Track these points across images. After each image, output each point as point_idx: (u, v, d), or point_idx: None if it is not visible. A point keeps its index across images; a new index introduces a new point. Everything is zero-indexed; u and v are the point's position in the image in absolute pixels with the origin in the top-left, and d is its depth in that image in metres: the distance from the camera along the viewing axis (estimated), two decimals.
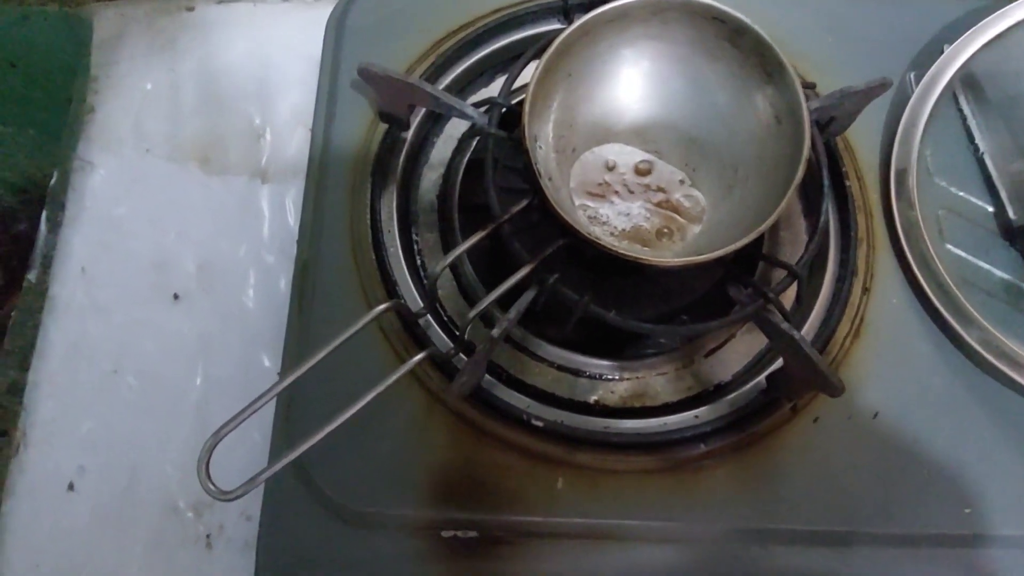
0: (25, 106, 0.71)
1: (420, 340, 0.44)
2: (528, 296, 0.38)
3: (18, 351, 0.56)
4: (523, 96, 0.40)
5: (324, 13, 0.57)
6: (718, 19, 0.42)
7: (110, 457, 0.52)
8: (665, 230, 0.44)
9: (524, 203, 0.39)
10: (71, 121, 0.63)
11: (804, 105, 0.40)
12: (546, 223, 0.39)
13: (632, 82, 0.46)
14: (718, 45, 0.43)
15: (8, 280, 0.65)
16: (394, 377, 0.36)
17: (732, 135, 0.45)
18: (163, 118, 0.62)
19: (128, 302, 0.56)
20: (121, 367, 0.54)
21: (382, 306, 0.35)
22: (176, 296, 0.56)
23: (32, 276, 0.58)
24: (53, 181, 0.61)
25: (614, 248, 0.37)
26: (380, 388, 0.36)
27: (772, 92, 0.42)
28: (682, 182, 0.46)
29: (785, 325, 0.38)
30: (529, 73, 0.41)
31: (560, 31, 0.41)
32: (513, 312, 0.37)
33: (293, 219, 0.58)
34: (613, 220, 0.44)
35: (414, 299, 0.45)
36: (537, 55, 0.42)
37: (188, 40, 0.65)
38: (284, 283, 0.56)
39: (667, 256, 0.40)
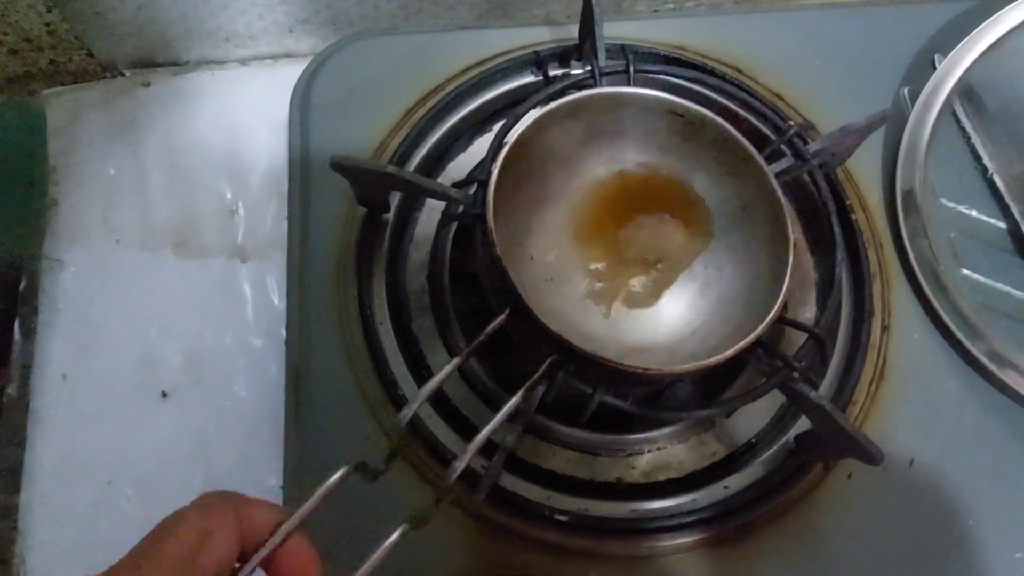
0: None
1: (427, 441, 0.41)
2: (538, 392, 0.36)
3: (6, 472, 0.53)
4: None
5: (286, 74, 0.55)
6: (674, 113, 0.41)
7: None
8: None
9: (498, 321, 0.36)
10: (34, 217, 0.60)
11: (778, 190, 0.39)
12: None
13: (586, 180, 0.44)
14: (671, 142, 0.42)
15: None
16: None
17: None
18: (130, 204, 0.60)
19: (115, 406, 0.54)
20: (116, 478, 0.52)
21: (339, 472, 0.32)
22: (164, 394, 0.54)
23: (11, 389, 0.56)
24: (23, 285, 0.58)
25: (611, 361, 0.34)
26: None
27: (736, 183, 0.41)
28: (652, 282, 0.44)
29: (814, 394, 0.36)
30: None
31: (514, 127, 0.39)
32: (528, 407, 0.35)
33: (277, 297, 0.56)
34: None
35: (415, 394, 0.42)
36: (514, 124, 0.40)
37: (148, 118, 0.63)
38: (275, 367, 0.54)
39: (673, 359, 0.37)
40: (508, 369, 0.44)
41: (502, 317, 0.36)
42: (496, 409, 0.41)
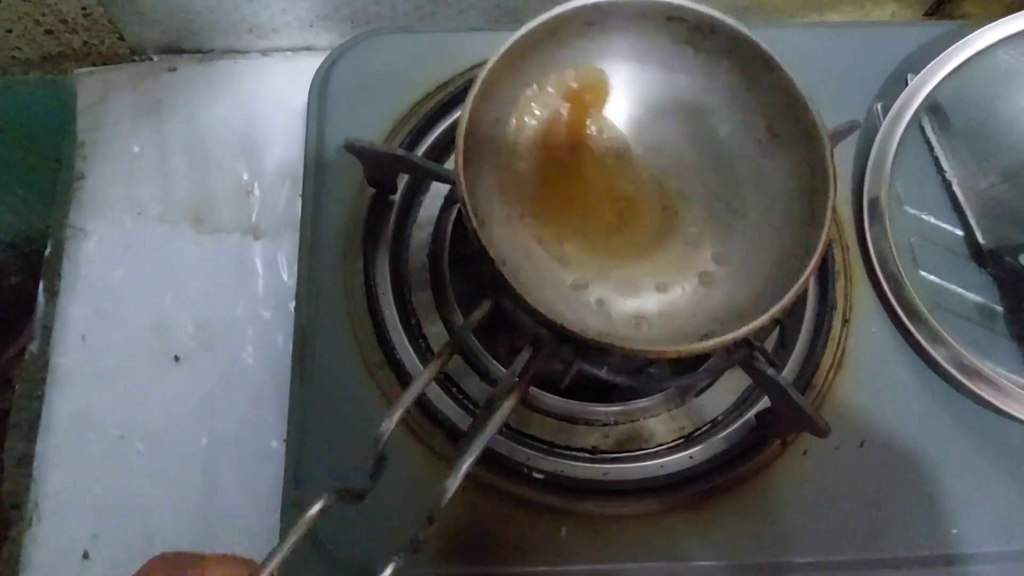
0: (13, 169, 0.72)
1: (420, 402, 0.45)
2: (523, 357, 0.40)
3: (24, 424, 0.56)
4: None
5: (305, 65, 0.58)
6: (675, 19, 0.35)
7: (123, 523, 0.53)
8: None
9: (486, 306, 0.34)
10: (61, 188, 0.64)
11: (811, 103, 0.33)
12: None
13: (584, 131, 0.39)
14: (675, 53, 0.36)
15: (3, 332, 0.66)
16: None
17: (717, 160, 0.38)
18: (153, 180, 0.63)
19: (130, 367, 0.57)
20: (127, 433, 0.55)
21: (317, 505, 0.29)
22: (177, 358, 0.57)
23: (33, 347, 0.59)
24: (48, 251, 0.62)
25: (628, 346, 0.32)
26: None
27: (757, 98, 0.36)
28: (664, 225, 0.40)
29: (771, 371, 0.40)
30: None
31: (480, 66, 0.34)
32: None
33: (287, 274, 0.60)
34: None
35: (411, 360, 0.46)
36: None
37: (172, 101, 0.66)
38: (282, 338, 0.57)
39: (675, 341, 0.33)
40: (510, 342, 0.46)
41: (487, 305, 0.35)
42: (486, 378, 0.45)
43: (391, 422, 0.33)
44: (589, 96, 0.38)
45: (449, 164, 0.54)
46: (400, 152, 0.43)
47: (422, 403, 0.45)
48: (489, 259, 0.32)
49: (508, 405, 0.34)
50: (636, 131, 0.40)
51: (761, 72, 0.35)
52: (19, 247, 0.71)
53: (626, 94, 0.39)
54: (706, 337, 0.32)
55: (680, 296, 0.38)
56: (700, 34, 0.35)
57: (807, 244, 0.33)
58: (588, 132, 0.39)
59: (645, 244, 0.40)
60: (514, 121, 0.38)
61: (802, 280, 0.32)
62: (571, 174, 0.39)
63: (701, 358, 0.48)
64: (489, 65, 0.33)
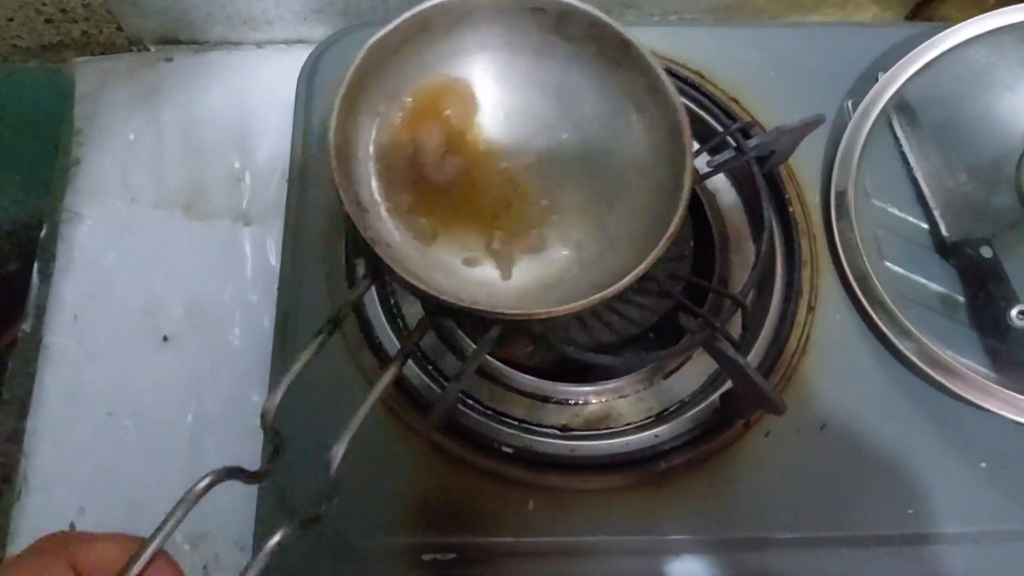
0: (11, 156, 0.73)
1: (398, 379, 0.47)
2: (493, 334, 0.41)
3: (16, 400, 0.58)
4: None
5: (298, 58, 0.60)
6: (537, 9, 0.37)
7: (109, 497, 0.54)
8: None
9: (365, 284, 0.35)
10: (57, 174, 0.65)
11: (666, 80, 0.35)
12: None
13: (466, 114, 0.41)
14: (544, 40, 0.38)
15: (1, 318, 0.67)
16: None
17: (589, 139, 0.40)
18: (147, 167, 0.65)
19: (119, 347, 0.58)
20: (116, 410, 0.57)
21: (204, 481, 0.29)
22: (165, 338, 0.59)
23: (27, 326, 0.60)
24: (43, 233, 0.63)
25: (503, 312, 0.34)
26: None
27: (622, 78, 0.37)
28: (542, 210, 0.41)
29: (731, 351, 0.41)
30: None
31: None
32: (482, 346, 0.40)
33: (275, 259, 0.61)
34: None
35: (389, 339, 0.48)
36: None
37: (168, 90, 0.67)
38: (268, 321, 0.58)
39: (558, 304, 0.34)
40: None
41: (364, 284, 0.36)
42: (455, 350, 0.46)
43: (274, 400, 0.34)
44: (457, 108, 0.40)
45: None
46: None
47: (399, 382, 0.46)
48: (364, 240, 0.34)
49: (387, 375, 0.35)
50: (513, 117, 0.42)
51: (622, 55, 0.37)
52: (17, 235, 0.72)
53: (501, 82, 0.41)
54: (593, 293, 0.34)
55: (562, 267, 0.40)
56: (563, 22, 0.37)
57: (673, 208, 0.35)
58: (462, 137, 0.42)
59: (528, 223, 0.42)
60: (389, 122, 0.40)
61: (664, 239, 0.34)
62: (450, 166, 0.41)
63: (672, 337, 0.49)
64: (356, 62, 0.35)
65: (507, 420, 0.47)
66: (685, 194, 0.35)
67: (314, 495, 0.33)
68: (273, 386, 0.34)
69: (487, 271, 0.41)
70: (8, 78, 0.72)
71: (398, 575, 0.44)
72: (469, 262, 0.41)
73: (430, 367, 0.49)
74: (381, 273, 0.36)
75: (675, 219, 0.35)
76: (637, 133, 0.39)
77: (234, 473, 0.31)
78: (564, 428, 0.48)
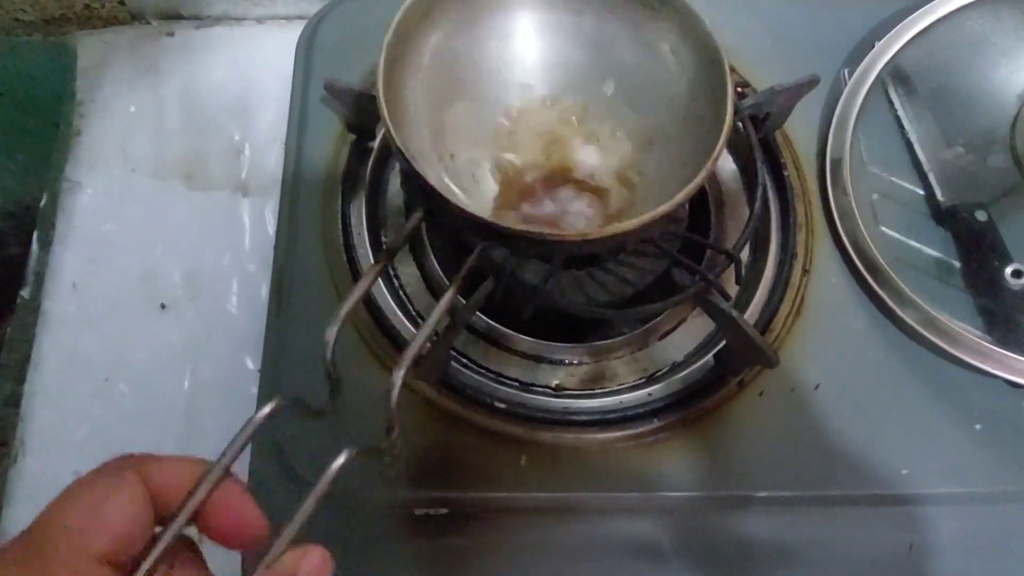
0: (14, 133, 0.73)
1: (391, 335, 0.47)
2: (486, 287, 0.41)
3: (14, 364, 0.58)
4: None
5: (298, 33, 0.59)
6: None
7: (105, 460, 0.55)
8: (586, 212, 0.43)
9: (418, 215, 0.36)
10: (59, 145, 0.65)
11: (706, 24, 0.37)
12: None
13: (492, 60, 0.43)
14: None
15: (1, 302, 0.68)
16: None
17: (628, 88, 0.42)
18: (147, 138, 0.65)
19: (118, 314, 0.58)
20: (113, 376, 0.57)
21: (267, 407, 0.29)
22: (163, 306, 0.59)
23: (25, 292, 0.61)
24: (43, 202, 0.63)
25: (547, 233, 0.35)
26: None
27: (659, 26, 0.40)
28: (595, 147, 0.44)
29: (724, 304, 0.41)
30: None
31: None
32: (472, 302, 0.40)
33: (272, 229, 0.61)
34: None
35: (384, 297, 0.48)
36: None
37: (169, 64, 0.68)
38: (265, 290, 0.58)
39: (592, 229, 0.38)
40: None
41: (418, 214, 0.36)
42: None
43: (333, 331, 0.33)
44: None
45: None
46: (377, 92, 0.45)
47: (381, 324, 0.46)
48: (415, 172, 0.35)
49: (445, 299, 0.35)
50: (553, 70, 0.44)
51: (658, 2, 0.39)
52: (19, 216, 0.72)
53: (541, 38, 0.43)
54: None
55: (606, 200, 0.42)
56: None
57: (711, 145, 0.36)
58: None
59: (572, 167, 0.44)
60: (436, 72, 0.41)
61: (704, 171, 0.35)
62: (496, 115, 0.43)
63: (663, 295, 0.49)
64: (400, 12, 0.37)
65: (502, 379, 0.47)
66: (728, 123, 0.36)
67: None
68: (333, 319, 0.34)
69: (526, 208, 0.43)
70: (11, 52, 0.72)
71: (390, 530, 0.44)
72: (505, 205, 0.43)
73: (414, 313, 0.49)
74: (431, 208, 0.37)
75: (718, 145, 0.36)
76: (675, 74, 0.40)
77: (298, 404, 0.31)
78: (558, 388, 0.48)
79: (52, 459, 0.55)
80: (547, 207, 0.43)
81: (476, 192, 0.43)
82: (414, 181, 0.35)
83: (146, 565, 0.26)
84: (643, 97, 0.43)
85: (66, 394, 0.57)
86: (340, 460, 0.29)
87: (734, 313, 0.40)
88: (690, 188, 0.35)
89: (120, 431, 0.57)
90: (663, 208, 0.35)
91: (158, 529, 0.27)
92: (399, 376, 0.33)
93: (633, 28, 0.41)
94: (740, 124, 0.46)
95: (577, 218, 0.43)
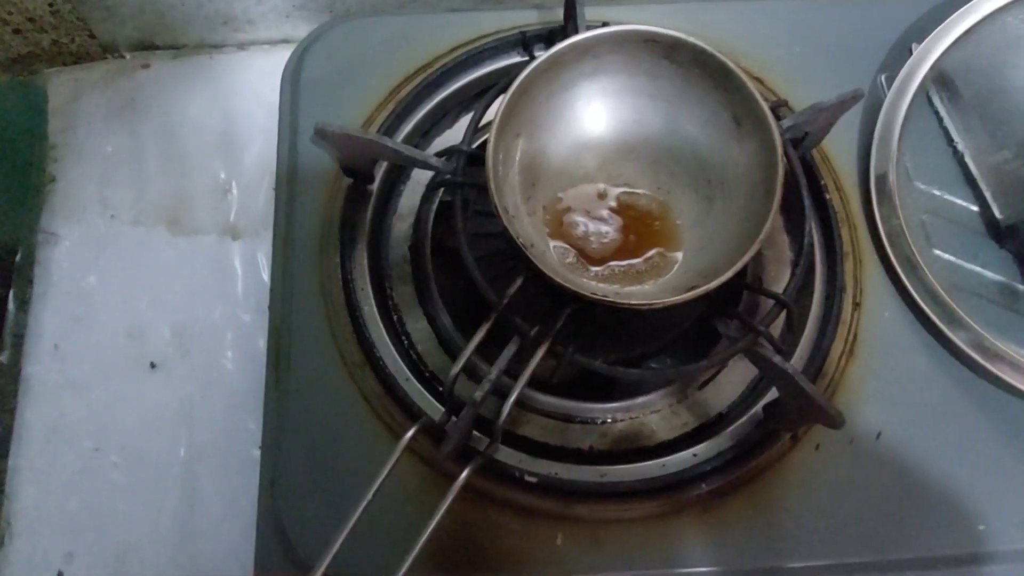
0: None
1: (403, 402, 0.42)
2: (510, 350, 0.37)
3: None
4: (486, 138, 0.39)
5: (282, 59, 0.56)
6: (651, 41, 0.43)
7: (98, 540, 0.51)
8: (651, 261, 0.43)
9: (519, 282, 0.38)
10: (32, 192, 0.62)
11: (762, 103, 0.40)
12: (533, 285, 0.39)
13: (580, 125, 0.45)
14: (655, 65, 0.44)
15: None
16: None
17: (695, 147, 0.45)
18: (126, 181, 0.61)
19: (104, 376, 0.55)
20: (103, 444, 0.53)
21: (409, 433, 0.34)
22: (153, 365, 0.56)
23: (3, 357, 0.57)
24: (18, 257, 0.60)
25: (628, 303, 0.36)
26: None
27: (724, 97, 0.42)
28: (660, 205, 0.46)
29: (778, 359, 0.37)
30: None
31: (502, 92, 0.41)
32: (494, 372, 0.36)
33: (267, 274, 0.58)
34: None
35: (392, 358, 0.44)
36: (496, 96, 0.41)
37: (147, 99, 0.64)
38: (263, 342, 0.54)
39: (667, 295, 0.38)
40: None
41: (519, 281, 0.38)
42: (473, 377, 0.42)
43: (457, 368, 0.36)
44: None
45: (431, 150, 0.52)
46: (374, 137, 0.41)
47: (391, 390, 0.43)
48: (526, 256, 0.37)
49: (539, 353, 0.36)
50: (630, 128, 0.46)
51: (722, 76, 0.42)
52: None
53: (620, 99, 0.46)
54: (691, 289, 0.37)
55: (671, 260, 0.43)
56: (673, 51, 0.43)
57: (766, 210, 0.38)
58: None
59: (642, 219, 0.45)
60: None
61: (759, 239, 0.37)
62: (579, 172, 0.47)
63: (705, 350, 0.45)
64: (511, 90, 0.41)
65: (528, 444, 0.43)
66: (776, 200, 0.38)
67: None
68: (457, 359, 0.37)
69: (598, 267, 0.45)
70: None
71: None
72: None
73: (439, 388, 0.45)
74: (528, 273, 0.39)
75: (768, 221, 0.38)
76: (734, 143, 0.43)
77: (425, 427, 0.35)
78: (591, 449, 0.43)
79: (42, 540, 0.52)
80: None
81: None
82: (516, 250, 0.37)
83: None
84: (709, 157, 0.44)
85: (53, 467, 0.53)
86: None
87: (790, 369, 0.36)
88: (752, 249, 0.36)
89: (113, 505, 0.54)
90: (734, 268, 0.36)
91: None
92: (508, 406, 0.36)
93: (704, 94, 0.43)
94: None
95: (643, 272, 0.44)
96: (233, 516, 0.52)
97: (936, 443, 0.43)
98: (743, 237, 0.39)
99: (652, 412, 0.44)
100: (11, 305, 0.58)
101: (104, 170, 0.61)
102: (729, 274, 0.36)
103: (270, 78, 0.57)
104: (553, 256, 0.43)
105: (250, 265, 0.58)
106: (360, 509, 0.35)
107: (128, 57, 0.66)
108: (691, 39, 0.42)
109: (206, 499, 0.52)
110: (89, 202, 0.60)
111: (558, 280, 0.36)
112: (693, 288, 0.37)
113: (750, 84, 0.40)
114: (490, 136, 0.39)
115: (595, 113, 0.45)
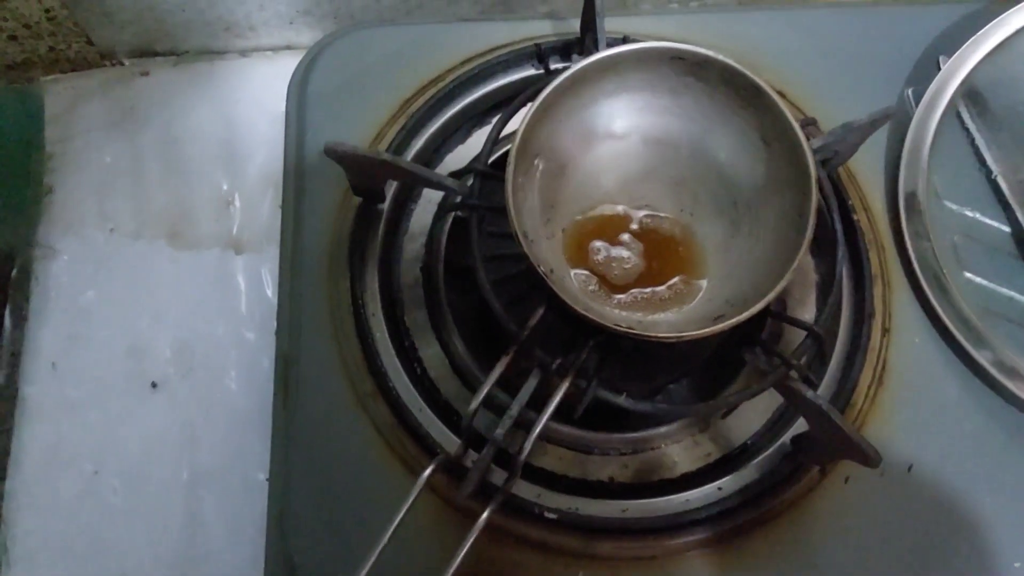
0: None
1: (416, 433, 0.40)
2: (531, 384, 0.35)
3: None
4: (505, 150, 0.38)
5: (286, 65, 0.54)
6: (677, 58, 0.41)
7: (98, 566, 0.50)
8: (675, 288, 0.42)
9: (540, 312, 0.37)
10: (29, 204, 0.60)
11: (795, 125, 0.38)
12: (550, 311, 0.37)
13: (601, 145, 0.44)
14: (681, 83, 0.42)
15: None
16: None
17: (721, 168, 0.43)
18: (126, 193, 0.60)
19: (104, 396, 0.54)
20: (102, 467, 0.52)
21: (426, 472, 0.34)
22: (154, 385, 0.54)
23: (0, 378, 0.55)
24: (15, 272, 0.58)
25: (655, 335, 0.35)
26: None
27: (752, 116, 0.41)
28: (684, 229, 0.44)
29: (811, 394, 0.35)
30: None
31: (523, 115, 0.39)
32: (515, 408, 0.34)
33: (272, 291, 0.57)
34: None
35: (406, 387, 0.42)
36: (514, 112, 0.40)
37: (146, 107, 0.63)
38: (268, 361, 0.54)
39: (693, 325, 0.37)
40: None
41: (540, 311, 0.37)
42: (490, 407, 0.41)
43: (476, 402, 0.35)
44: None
45: (444, 166, 0.50)
46: (386, 157, 0.39)
47: (404, 421, 0.41)
48: (549, 287, 0.35)
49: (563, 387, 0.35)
50: (652, 148, 0.45)
51: (752, 95, 0.41)
52: None
53: (643, 118, 0.44)
54: (718, 320, 0.35)
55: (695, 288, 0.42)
56: (700, 68, 0.41)
57: (798, 238, 0.37)
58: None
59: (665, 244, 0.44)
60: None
61: (791, 269, 0.36)
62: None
63: (725, 374, 0.44)
64: (532, 110, 0.39)
65: (546, 476, 0.41)
66: (810, 230, 0.37)
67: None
68: (476, 393, 0.36)
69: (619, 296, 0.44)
70: None
71: None
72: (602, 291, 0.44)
73: (454, 417, 0.43)
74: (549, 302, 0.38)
75: (800, 250, 0.36)
76: (763, 165, 0.41)
77: (444, 462, 0.34)
78: (611, 481, 0.42)
79: (40, 569, 0.50)
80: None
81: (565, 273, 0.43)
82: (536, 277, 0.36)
83: None
84: (735, 179, 0.43)
85: (51, 492, 0.52)
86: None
87: (823, 405, 0.34)
88: (783, 280, 0.35)
89: (113, 531, 0.53)
90: (766, 299, 0.34)
91: None
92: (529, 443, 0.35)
93: (731, 113, 0.42)
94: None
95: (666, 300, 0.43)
96: (238, 542, 0.50)
97: (970, 476, 0.42)
98: (771, 264, 0.37)
99: (674, 442, 0.43)
100: (7, 322, 0.57)
101: (103, 181, 0.60)
102: (760, 305, 0.34)
103: (273, 86, 0.56)
104: (574, 283, 0.41)
105: (254, 281, 0.57)
106: (376, 552, 0.33)
107: (127, 64, 0.64)
108: (720, 56, 0.40)
109: (209, 524, 0.51)
110: (87, 214, 0.59)
111: (583, 312, 0.34)
112: (720, 317, 0.35)
113: (782, 104, 0.39)
114: (510, 158, 0.37)
115: (616, 132, 0.44)
